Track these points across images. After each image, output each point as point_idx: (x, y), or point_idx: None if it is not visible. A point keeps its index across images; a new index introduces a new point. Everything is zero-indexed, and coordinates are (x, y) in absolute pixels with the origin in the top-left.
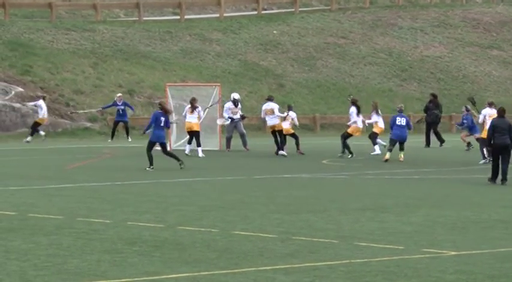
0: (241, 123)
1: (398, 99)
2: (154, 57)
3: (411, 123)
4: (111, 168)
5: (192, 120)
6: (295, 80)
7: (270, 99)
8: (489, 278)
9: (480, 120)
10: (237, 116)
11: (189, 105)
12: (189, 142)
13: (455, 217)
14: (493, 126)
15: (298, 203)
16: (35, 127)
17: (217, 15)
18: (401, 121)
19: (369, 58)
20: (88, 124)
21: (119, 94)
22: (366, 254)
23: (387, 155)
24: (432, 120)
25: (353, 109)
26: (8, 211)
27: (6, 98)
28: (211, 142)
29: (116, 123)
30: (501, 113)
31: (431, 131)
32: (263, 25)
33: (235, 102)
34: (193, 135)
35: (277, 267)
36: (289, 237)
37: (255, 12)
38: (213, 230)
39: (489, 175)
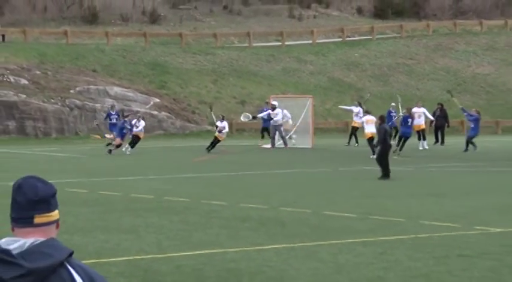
0: (281, 128)
1: (456, 108)
2: (261, 75)
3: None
4: (227, 162)
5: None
6: (372, 93)
7: (368, 112)
8: None
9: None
10: (278, 119)
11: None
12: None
13: (501, 202)
14: None
15: (374, 190)
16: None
17: (311, 41)
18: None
19: (431, 75)
20: (209, 127)
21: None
22: (429, 230)
23: None
24: (441, 125)
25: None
26: (147, 195)
27: (147, 107)
28: (304, 141)
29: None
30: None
31: (439, 133)
32: (347, 49)
33: (273, 108)
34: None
35: (357, 240)
36: (367, 216)
37: (340, 39)
38: (307, 210)
39: None
